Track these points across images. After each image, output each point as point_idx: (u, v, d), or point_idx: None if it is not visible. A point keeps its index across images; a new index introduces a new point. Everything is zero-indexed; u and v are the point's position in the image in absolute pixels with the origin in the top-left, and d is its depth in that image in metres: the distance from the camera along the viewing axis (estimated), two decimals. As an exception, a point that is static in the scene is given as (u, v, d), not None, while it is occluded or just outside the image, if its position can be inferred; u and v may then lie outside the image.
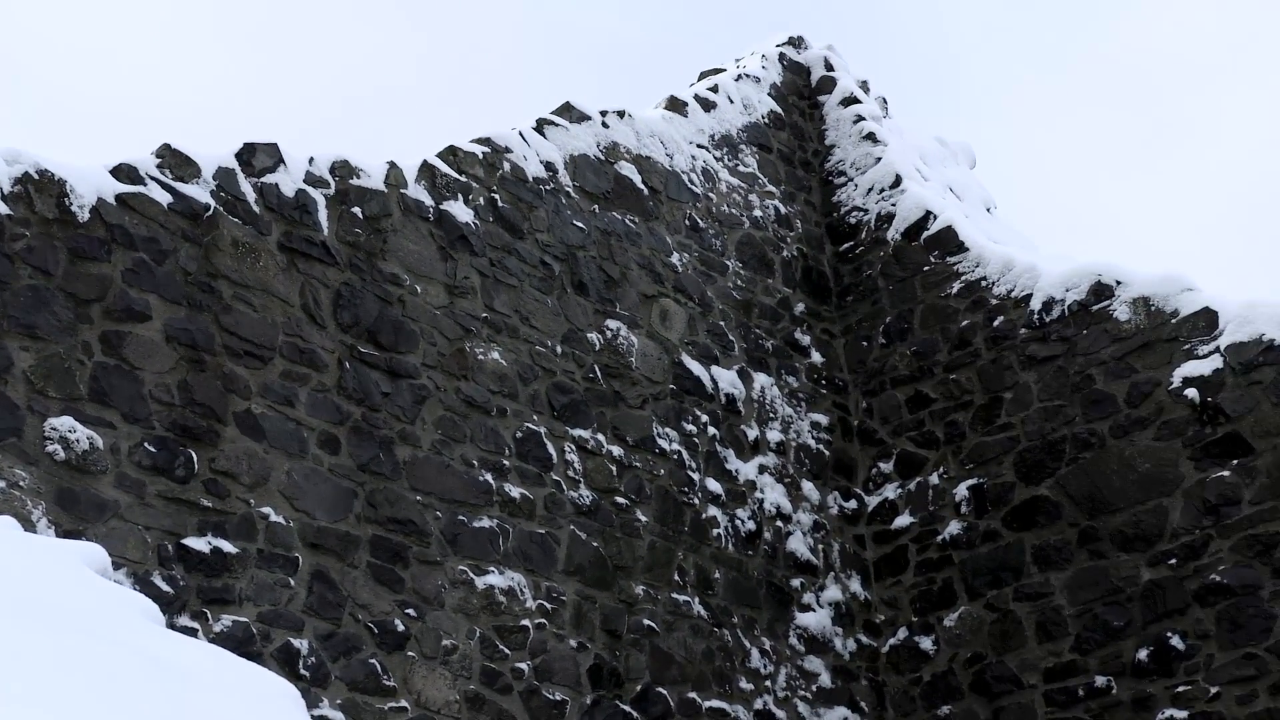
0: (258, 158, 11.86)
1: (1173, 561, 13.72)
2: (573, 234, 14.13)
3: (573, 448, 13.22)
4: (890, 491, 15.65)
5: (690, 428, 14.36)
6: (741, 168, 16.52)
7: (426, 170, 13.10)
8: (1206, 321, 14.09)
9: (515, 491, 12.58)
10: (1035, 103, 48.38)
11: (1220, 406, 13.74)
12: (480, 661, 11.83)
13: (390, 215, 12.58)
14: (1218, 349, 13.94)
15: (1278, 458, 13.35)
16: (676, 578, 13.64)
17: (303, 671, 10.67)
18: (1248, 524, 13.39)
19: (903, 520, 15.45)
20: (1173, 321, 14.28)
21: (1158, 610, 13.72)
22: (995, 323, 15.40)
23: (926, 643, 14.98)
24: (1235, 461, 13.58)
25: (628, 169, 15.05)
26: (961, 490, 15.14)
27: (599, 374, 13.76)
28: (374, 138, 45.42)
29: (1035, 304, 15.19)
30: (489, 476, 12.44)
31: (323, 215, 12.09)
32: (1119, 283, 14.77)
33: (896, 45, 49.17)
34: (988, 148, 43.74)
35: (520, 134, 14.17)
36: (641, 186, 15.11)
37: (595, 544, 13.04)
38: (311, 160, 12.23)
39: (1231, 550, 13.43)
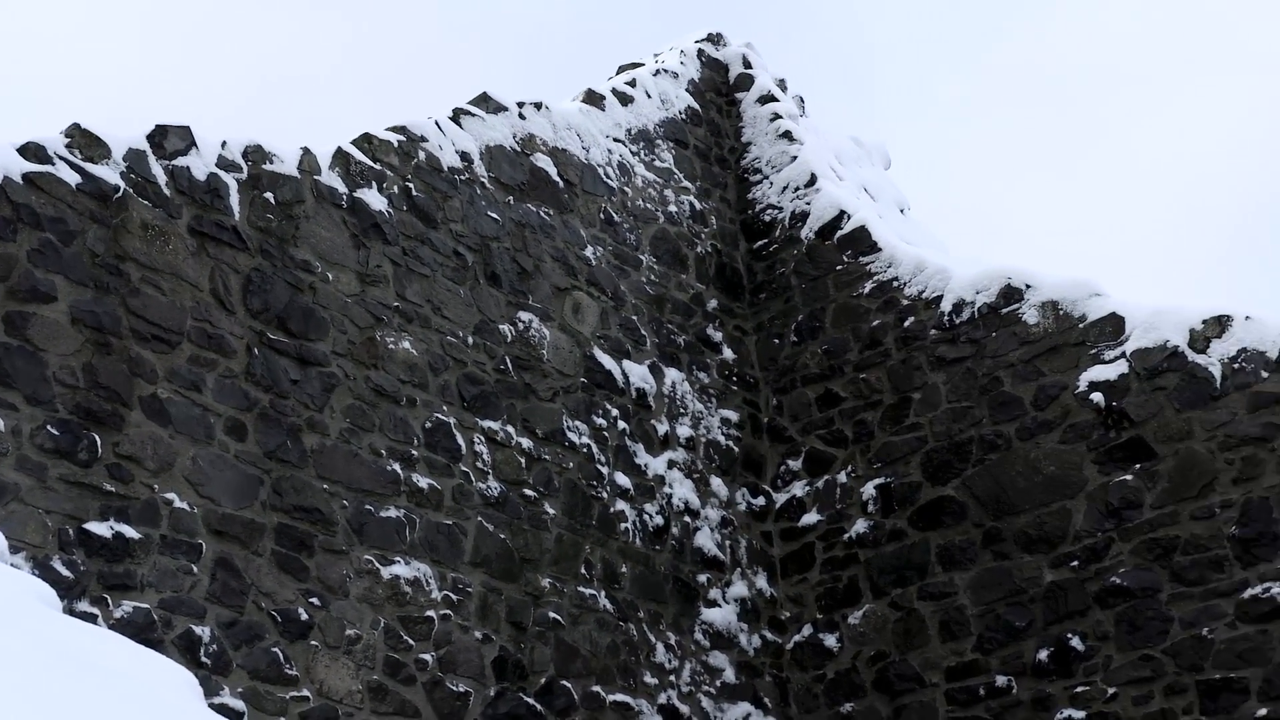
0: (169, 140, 11.74)
1: (1075, 563, 13.86)
2: (487, 225, 14.08)
3: (482, 439, 13.18)
4: (798, 489, 15.72)
5: (600, 421, 14.36)
6: (658, 163, 16.54)
7: (341, 157, 13.02)
8: (1114, 327, 14.24)
9: (423, 482, 12.53)
10: (953, 105, 48.69)
11: (1125, 411, 13.89)
12: (384, 652, 11.78)
13: (303, 201, 12.50)
14: (1124, 354, 14.09)
15: (1179, 462, 13.52)
16: (583, 571, 13.64)
17: (204, 659, 10.58)
18: (1148, 527, 13.55)
19: (810, 518, 15.53)
20: (1080, 326, 14.43)
21: (1059, 611, 13.86)
22: (906, 323, 15.50)
23: (831, 640, 15.06)
24: (1138, 465, 13.75)
25: (543, 161, 15.03)
26: (869, 489, 15.23)
27: (510, 366, 13.73)
28: (294, 124, 45.08)
29: (946, 305, 15.30)
30: (397, 466, 12.39)
31: (234, 200, 11.98)
32: (1028, 286, 14.91)
33: (815, 45, 49.35)
34: (904, 149, 43.98)
35: (436, 123, 14.11)
36: (557, 179, 15.09)
37: (502, 536, 13.01)
38: (224, 144, 12.12)
39: (1132, 553, 13.60)
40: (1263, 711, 12.71)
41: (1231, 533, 13.17)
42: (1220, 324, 13.72)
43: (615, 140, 16.11)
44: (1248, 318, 13.65)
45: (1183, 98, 45.70)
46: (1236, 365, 13.50)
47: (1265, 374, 13.34)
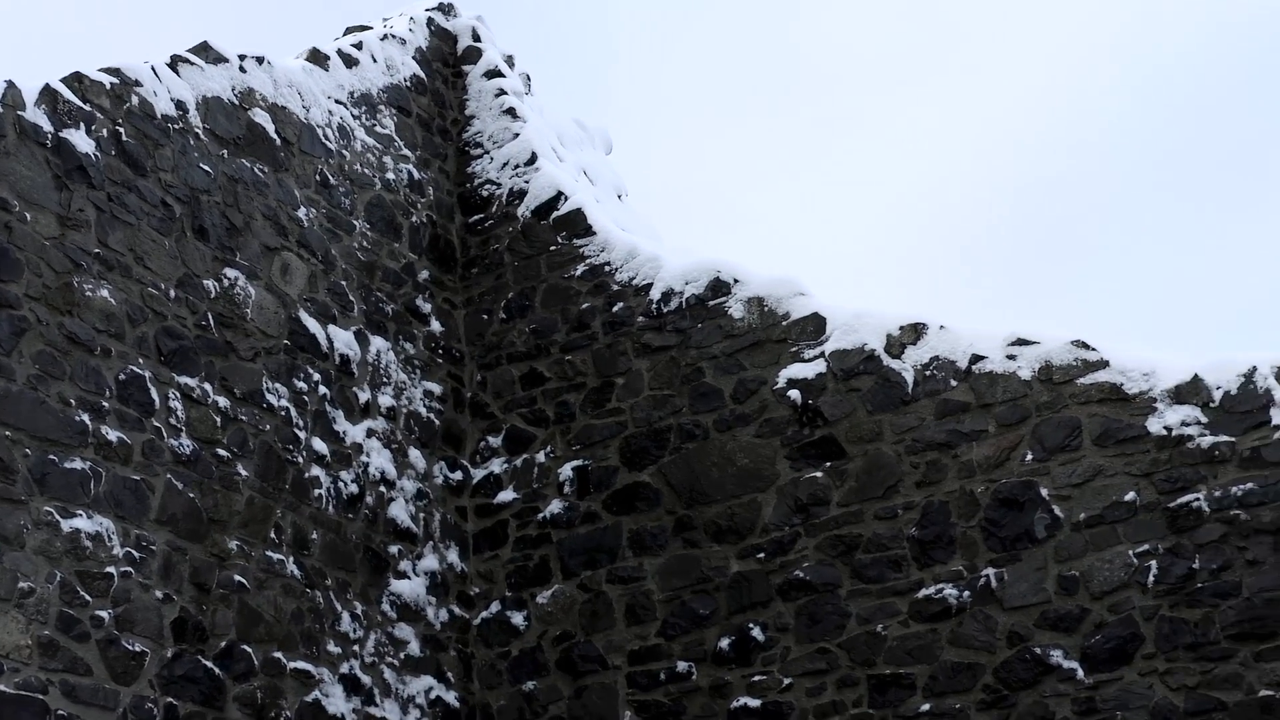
0: None
1: (761, 555, 14.17)
2: (198, 177, 13.76)
3: (177, 395, 12.89)
4: (496, 466, 15.74)
5: (301, 385, 14.17)
6: (379, 128, 16.37)
7: (48, 94, 12.58)
8: (815, 326, 14.58)
9: (113, 435, 12.20)
10: (691, 97, 49.18)
11: (819, 410, 14.24)
12: (58, 607, 11.43)
13: (4, 137, 12.04)
14: (823, 354, 14.44)
15: (868, 463, 13.92)
16: (273, 535, 13.44)
17: None
18: (834, 525, 13.92)
19: (506, 495, 15.56)
20: (783, 323, 14.74)
21: (742, 601, 14.15)
22: (615, 308, 15.63)
23: (518, 618, 15.12)
24: (828, 464, 14.10)
25: (262, 117, 14.75)
26: (566, 470, 15.33)
27: (212, 322, 13.45)
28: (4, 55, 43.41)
29: (655, 294, 15.47)
30: (86, 417, 12.03)
31: (-69, 129, 11.49)
32: (736, 281, 15.16)
33: (552, 24, 49.39)
34: (635, 136, 44.34)
35: (153, 68, 13.73)
36: (274, 136, 14.82)
37: (191, 495, 12.75)
38: (-77, 70, 11.62)
39: (816, 549, 13.95)
40: (926, 706, 13.18)
41: (911, 534, 13.61)
42: (916, 331, 14.15)
43: (337, 102, 15.89)
44: (942, 327, 14.11)
45: (919, 104, 46.95)
46: (928, 373, 13.95)
47: (954, 382, 13.81)
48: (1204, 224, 44.06)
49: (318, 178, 15.23)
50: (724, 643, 14.12)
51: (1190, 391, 13.02)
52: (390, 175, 16.27)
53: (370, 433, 14.83)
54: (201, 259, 13.53)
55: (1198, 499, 12.72)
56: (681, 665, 14.26)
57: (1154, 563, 12.75)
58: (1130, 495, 12.94)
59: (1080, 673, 12.77)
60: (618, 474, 15.08)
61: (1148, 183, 45.65)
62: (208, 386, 13.20)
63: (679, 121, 48.88)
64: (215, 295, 13.56)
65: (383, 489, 14.78)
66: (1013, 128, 45.96)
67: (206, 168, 13.88)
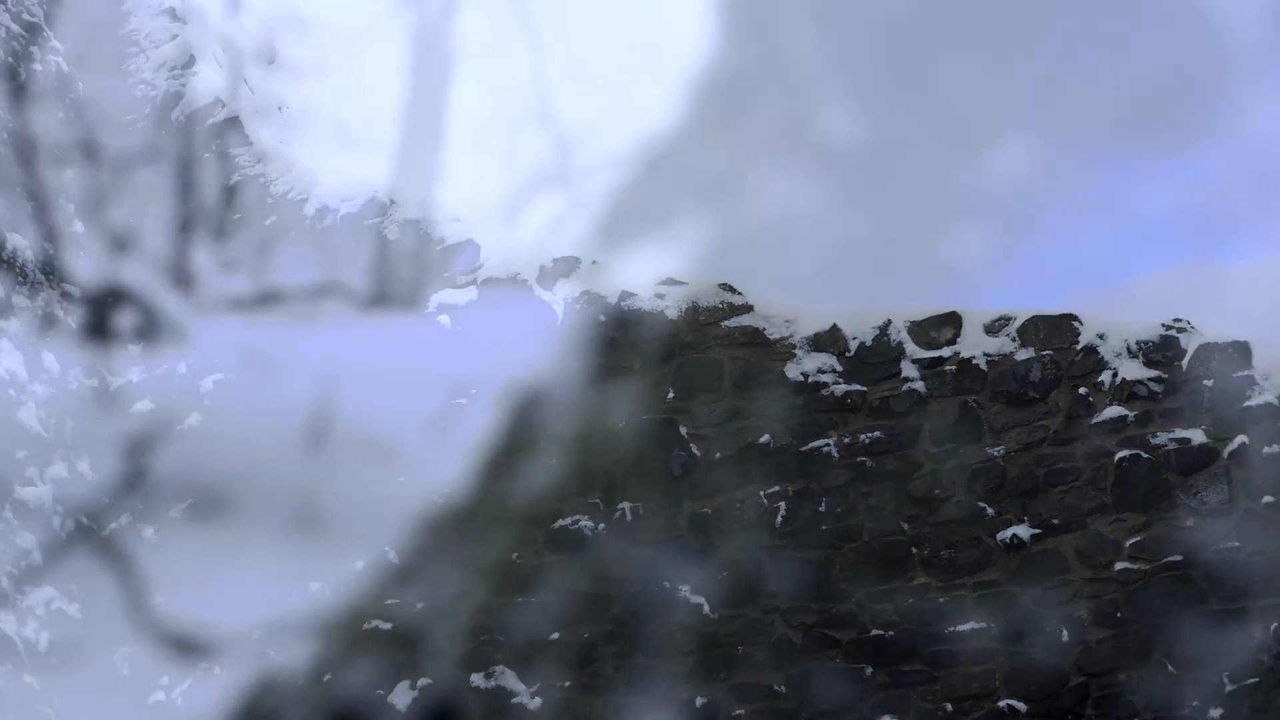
0: None
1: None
2: None
3: None
4: (135, 376, 15.26)
5: (-72, 279, 13.52)
6: (26, 16, 15.65)
7: None
8: (469, 253, 14.54)
9: None
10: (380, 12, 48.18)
11: (468, 337, 14.20)
12: None
13: None
14: (475, 281, 14.39)
15: (513, 393, 13.93)
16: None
17: None
18: (475, 452, 13.93)
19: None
20: (437, 249, 14.63)
21: (380, 525, 14.06)
22: (267, 221, 15.28)
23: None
24: (474, 391, 14.10)
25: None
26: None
27: None
28: None
29: (309, 210, 15.18)
30: None
31: None
32: (393, 203, 14.99)
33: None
34: (313, 52, 43.13)
35: None
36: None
37: None
38: None
39: (457, 475, 13.94)
40: (555, 636, 13.30)
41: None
42: (569, 264, 14.19)
43: (-16, -14, 15.16)
44: (594, 262, 14.17)
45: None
46: (578, 307, 14.02)
47: (603, 318, 13.93)
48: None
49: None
50: (358, 565, 14.01)
51: (828, 340, 13.38)
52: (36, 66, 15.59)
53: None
54: None
55: (828, 444, 13.10)
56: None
57: (783, 504, 13.09)
58: (765, 438, 13.26)
59: (706, 608, 13.06)
60: (260, 390, 14.80)
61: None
62: None
63: (360, 35, 47.96)
64: None
65: (12, 392, 14.22)
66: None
67: None
